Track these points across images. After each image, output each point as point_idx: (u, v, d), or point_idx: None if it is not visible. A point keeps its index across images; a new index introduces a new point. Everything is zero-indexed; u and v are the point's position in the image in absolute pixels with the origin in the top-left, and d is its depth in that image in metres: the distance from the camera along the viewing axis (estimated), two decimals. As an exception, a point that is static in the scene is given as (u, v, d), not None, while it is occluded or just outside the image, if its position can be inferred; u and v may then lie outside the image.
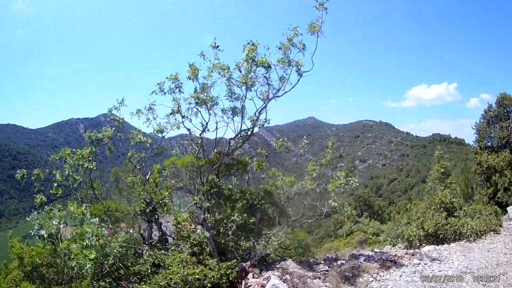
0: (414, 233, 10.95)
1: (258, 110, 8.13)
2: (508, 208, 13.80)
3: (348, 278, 7.23)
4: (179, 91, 8.25)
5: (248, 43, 7.63)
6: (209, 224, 7.75)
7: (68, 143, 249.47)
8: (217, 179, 8.55)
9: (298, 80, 7.82)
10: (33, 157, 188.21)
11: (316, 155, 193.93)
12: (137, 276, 6.22)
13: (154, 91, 8.27)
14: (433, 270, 7.77)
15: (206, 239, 7.40)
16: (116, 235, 6.07)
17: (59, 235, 6.09)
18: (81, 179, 8.42)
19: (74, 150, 8.42)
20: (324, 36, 7.50)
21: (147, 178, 8.64)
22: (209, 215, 8.02)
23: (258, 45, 7.58)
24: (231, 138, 8.63)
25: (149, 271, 6.26)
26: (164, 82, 8.18)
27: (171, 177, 9.34)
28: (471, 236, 10.51)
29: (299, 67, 7.70)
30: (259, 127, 8.39)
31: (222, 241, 7.66)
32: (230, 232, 7.62)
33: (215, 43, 7.74)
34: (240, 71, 7.86)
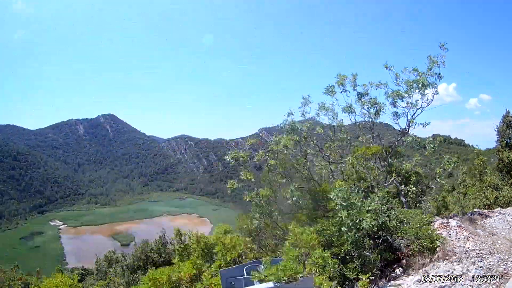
0: (483, 201, 15.44)
1: (412, 115, 11.25)
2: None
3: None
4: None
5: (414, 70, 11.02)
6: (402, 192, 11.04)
7: (67, 144, 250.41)
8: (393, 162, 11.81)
9: (433, 96, 10.95)
10: (33, 157, 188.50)
11: (316, 156, 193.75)
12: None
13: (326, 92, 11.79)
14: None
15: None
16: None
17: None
18: None
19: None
20: (445, 66, 10.79)
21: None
22: (403, 186, 11.03)
23: (406, 69, 11.08)
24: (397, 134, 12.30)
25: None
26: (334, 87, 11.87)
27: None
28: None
29: (436, 89, 10.92)
30: (413, 127, 11.56)
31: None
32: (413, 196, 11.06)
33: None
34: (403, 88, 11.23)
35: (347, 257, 6.92)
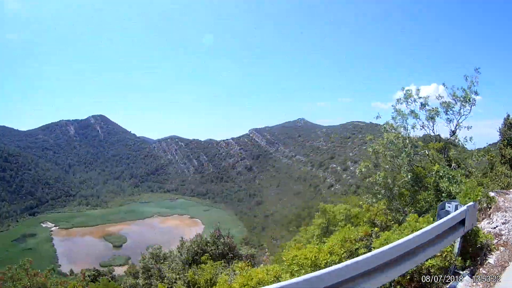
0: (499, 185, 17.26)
1: (458, 120, 14.81)
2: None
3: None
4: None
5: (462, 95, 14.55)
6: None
7: (58, 145, 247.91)
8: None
9: (471, 107, 14.59)
10: (24, 159, 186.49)
11: (307, 156, 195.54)
12: None
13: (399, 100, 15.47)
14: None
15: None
16: None
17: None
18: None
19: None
20: (478, 85, 14.44)
21: None
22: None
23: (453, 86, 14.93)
24: (438, 134, 15.60)
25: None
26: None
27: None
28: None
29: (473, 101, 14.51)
30: (459, 130, 14.94)
31: None
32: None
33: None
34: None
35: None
